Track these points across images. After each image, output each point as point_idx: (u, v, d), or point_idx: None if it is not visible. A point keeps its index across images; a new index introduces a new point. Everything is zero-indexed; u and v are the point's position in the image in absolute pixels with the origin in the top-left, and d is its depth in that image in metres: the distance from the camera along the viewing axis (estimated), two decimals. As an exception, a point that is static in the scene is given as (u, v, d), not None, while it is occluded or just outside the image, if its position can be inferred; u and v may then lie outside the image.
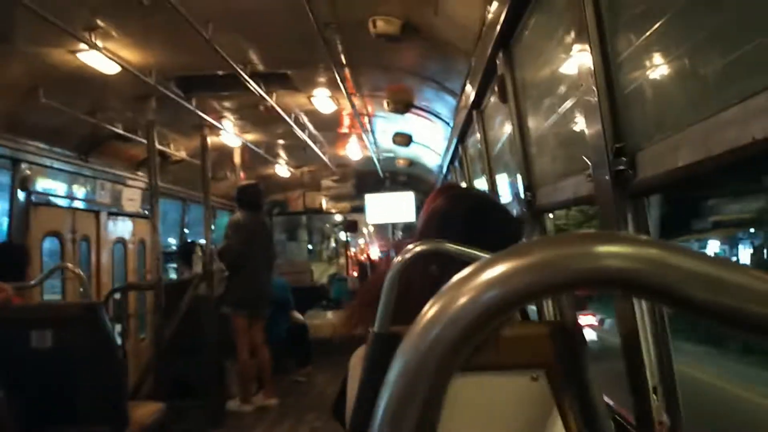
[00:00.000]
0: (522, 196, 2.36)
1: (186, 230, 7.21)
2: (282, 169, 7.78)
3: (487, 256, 1.06)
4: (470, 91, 3.35)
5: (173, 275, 6.65)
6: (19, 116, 3.99)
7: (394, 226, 10.34)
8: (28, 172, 4.25)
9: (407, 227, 9.19)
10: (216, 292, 5.23)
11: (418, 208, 9.35)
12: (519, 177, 2.44)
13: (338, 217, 10.54)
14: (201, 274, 5.23)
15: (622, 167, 1.29)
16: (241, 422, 4.95)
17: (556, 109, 1.99)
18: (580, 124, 1.71)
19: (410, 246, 1.34)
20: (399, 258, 1.34)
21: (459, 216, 1.43)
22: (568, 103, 1.87)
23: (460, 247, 1.31)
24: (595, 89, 1.41)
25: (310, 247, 11.00)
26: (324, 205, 10.01)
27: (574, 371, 1.32)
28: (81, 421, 3.08)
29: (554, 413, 1.33)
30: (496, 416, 1.36)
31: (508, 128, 2.70)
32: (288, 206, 10.07)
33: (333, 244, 11.04)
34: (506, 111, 2.61)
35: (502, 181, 3.24)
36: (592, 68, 1.42)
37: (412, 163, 8.31)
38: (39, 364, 3.08)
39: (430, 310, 0.36)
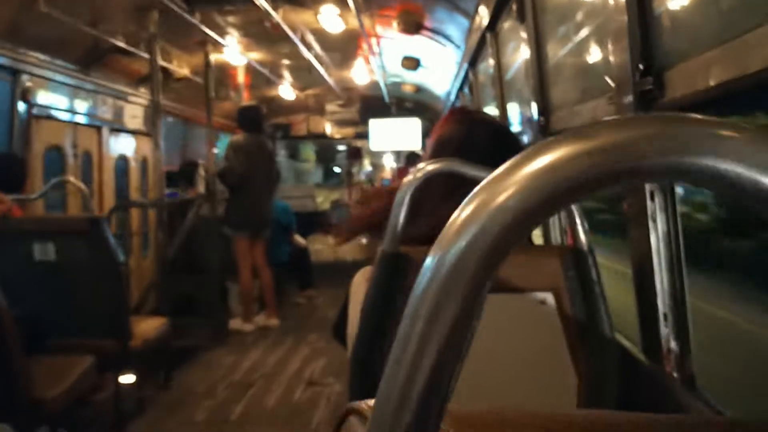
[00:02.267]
0: (535, 120, 2.29)
1: (187, 151, 7.16)
2: (286, 91, 7.64)
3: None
4: (485, 12, 3.22)
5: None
6: (18, 25, 3.86)
7: (398, 154, 10.25)
8: (29, 83, 4.16)
9: (410, 156, 9.10)
10: (218, 213, 5.23)
11: (425, 135, 9.24)
12: (533, 102, 2.37)
13: (343, 146, 10.49)
14: (203, 195, 5.21)
15: (648, 87, 1.23)
16: (242, 340, 5.04)
17: (577, 31, 1.91)
18: (603, 45, 1.63)
19: (421, 165, 1.30)
20: (410, 176, 1.30)
21: (479, 144, 1.38)
22: (592, 24, 1.78)
23: (473, 167, 1.26)
24: (624, 5, 1.33)
25: (315, 173, 10.99)
26: (328, 131, 9.89)
27: (582, 296, 1.30)
28: (85, 334, 3.12)
29: (560, 337, 1.32)
30: (501, 337, 1.35)
31: (523, 52, 2.61)
32: (291, 130, 9.96)
33: (337, 171, 11.02)
34: (522, 33, 2.51)
35: (514, 107, 3.16)
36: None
37: (419, 89, 8.15)
38: (42, 277, 3.10)
39: (476, 198, 0.32)
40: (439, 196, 1.40)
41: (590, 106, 1.68)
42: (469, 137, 1.39)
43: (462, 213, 0.32)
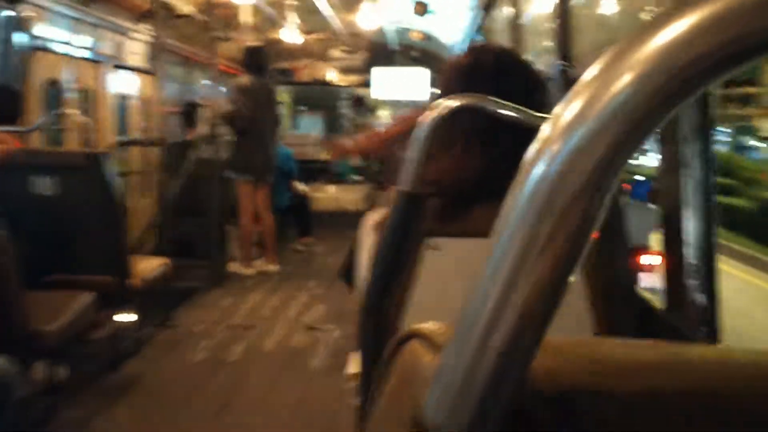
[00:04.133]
0: (557, 69, 2.20)
1: (188, 91, 7.02)
2: (291, 34, 7.44)
3: (534, 114, 0.90)
4: (504, -47, 3.08)
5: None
6: (15, -51, 3.71)
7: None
8: (27, 12, 4.02)
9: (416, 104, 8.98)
10: (219, 156, 5.14)
11: (433, 86, 9.07)
12: (554, 49, 2.27)
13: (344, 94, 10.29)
14: (205, 136, 5.11)
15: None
16: (241, 284, 5.03)
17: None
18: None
19: (444, 100, 1.23)
20: (434, 113, 1.23)
21: (487, 68, 1.32)
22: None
23: (502, 102, 1.19)
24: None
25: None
26: (332, 78, 9.72)
27: (602, 242, 1.24)
28: (84, 271, 3.08)
29: (579, 288, 1.27)
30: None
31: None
32: (294, 75, 9.77)
33: (342, 120, 10.86)
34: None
35: (532, 56, 3.05)
36: None
37: (427, 37, 7.96)
38: (41, 211, 3.04)
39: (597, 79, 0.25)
40: (457, 137, 1.33)
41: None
42: (474, 63, 1.33)
43: (573, 103, 0.25)
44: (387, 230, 1.28)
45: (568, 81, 2.10)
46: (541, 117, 1.26)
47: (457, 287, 1.31)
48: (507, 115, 1.19)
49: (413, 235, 1.27)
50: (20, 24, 4.02)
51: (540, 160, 0.26)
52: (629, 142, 0.25)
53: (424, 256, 1.31)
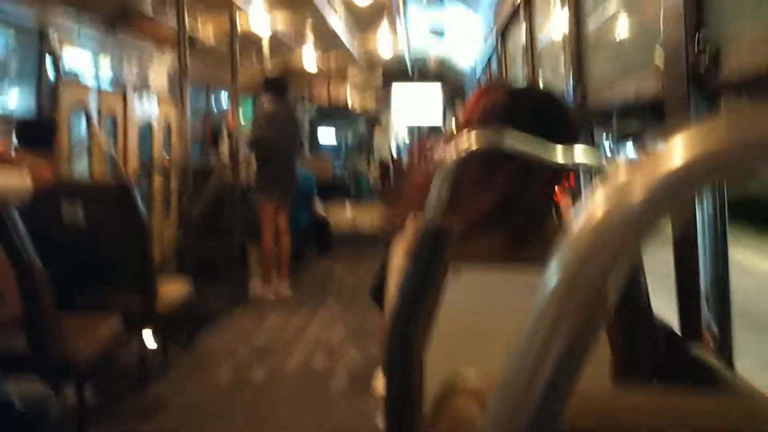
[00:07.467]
0: (570, 95, 2.26)
1: (210, 116, 7.17)
2: (308, 59, 7.59)
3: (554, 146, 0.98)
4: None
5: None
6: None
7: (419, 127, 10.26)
8: (56, 44, 4.16)
9: (432, 129, 9.15)
10: (243, 179, 5.26)
11: (445, 105, 9.21)
12: (569, 75, 2.34)
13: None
14: (225, 162, 5.23)
15: (704, 63, 1.20)
16: (261, 304, 5.11)
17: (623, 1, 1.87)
18: (651, 16, 1.60)
19: (467, 138, 1.28)
20: (457, 151, 1.28)
21: (526, 110, 1.35)
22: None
23: (526, 138, 1.24)
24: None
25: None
26: (349, 99, 9.88)
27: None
28: (112, 292, 3.17)
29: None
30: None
31: (559, 22, 2.57)
32: (312, 98, 9.96)
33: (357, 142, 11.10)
34: (559, 2, 2.47)
35: (547, 81, 3.12)
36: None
37: (442, 63, 8.09)
38: (72, 236, 3.13)
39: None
40: (476, 175, 1.37)
41: (634, 82, 1.65)
42: (516, 104, 1.37)
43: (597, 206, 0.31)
44: (412, 261, 1.34)
45: (582, 108, 2.17)
46: (564, 156, 1.32)
47: (475, 314, 1.36)
48: (529, 154, 1.24)
49: (438, 266, 1.32)
50: (50, 54, 4.17)
51: (571, 248, 0.32)
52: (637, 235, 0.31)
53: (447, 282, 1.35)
